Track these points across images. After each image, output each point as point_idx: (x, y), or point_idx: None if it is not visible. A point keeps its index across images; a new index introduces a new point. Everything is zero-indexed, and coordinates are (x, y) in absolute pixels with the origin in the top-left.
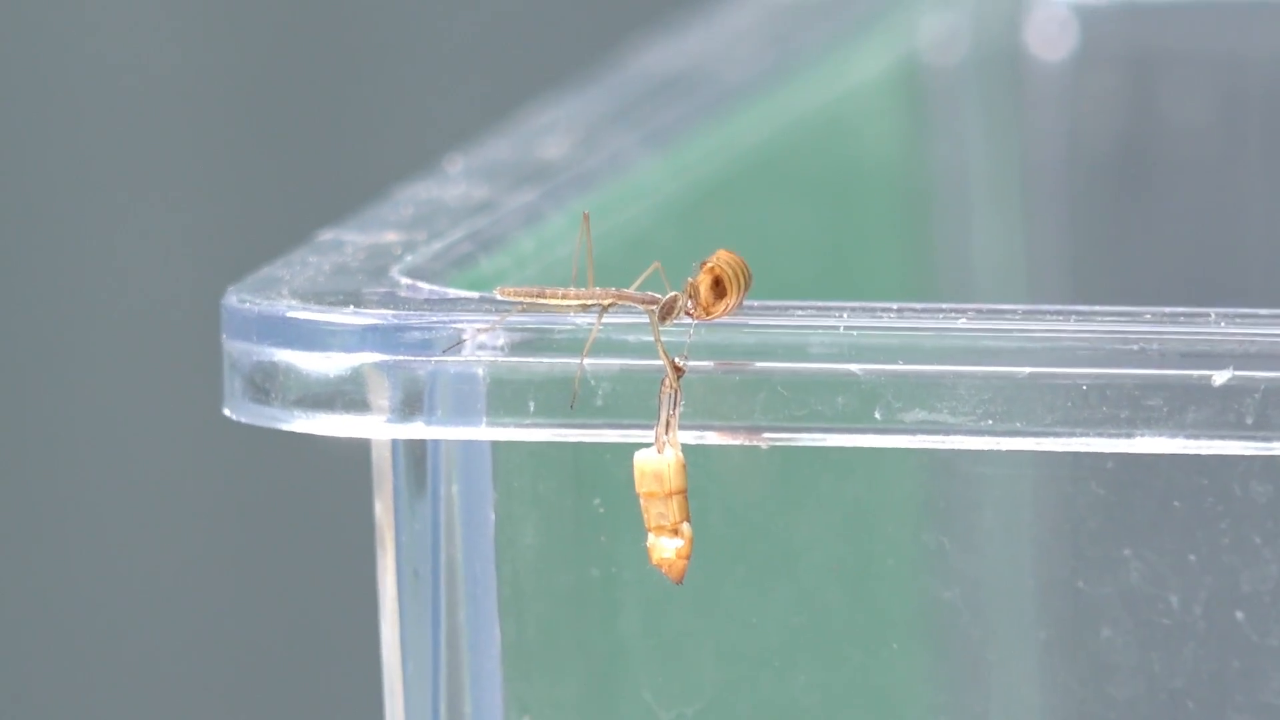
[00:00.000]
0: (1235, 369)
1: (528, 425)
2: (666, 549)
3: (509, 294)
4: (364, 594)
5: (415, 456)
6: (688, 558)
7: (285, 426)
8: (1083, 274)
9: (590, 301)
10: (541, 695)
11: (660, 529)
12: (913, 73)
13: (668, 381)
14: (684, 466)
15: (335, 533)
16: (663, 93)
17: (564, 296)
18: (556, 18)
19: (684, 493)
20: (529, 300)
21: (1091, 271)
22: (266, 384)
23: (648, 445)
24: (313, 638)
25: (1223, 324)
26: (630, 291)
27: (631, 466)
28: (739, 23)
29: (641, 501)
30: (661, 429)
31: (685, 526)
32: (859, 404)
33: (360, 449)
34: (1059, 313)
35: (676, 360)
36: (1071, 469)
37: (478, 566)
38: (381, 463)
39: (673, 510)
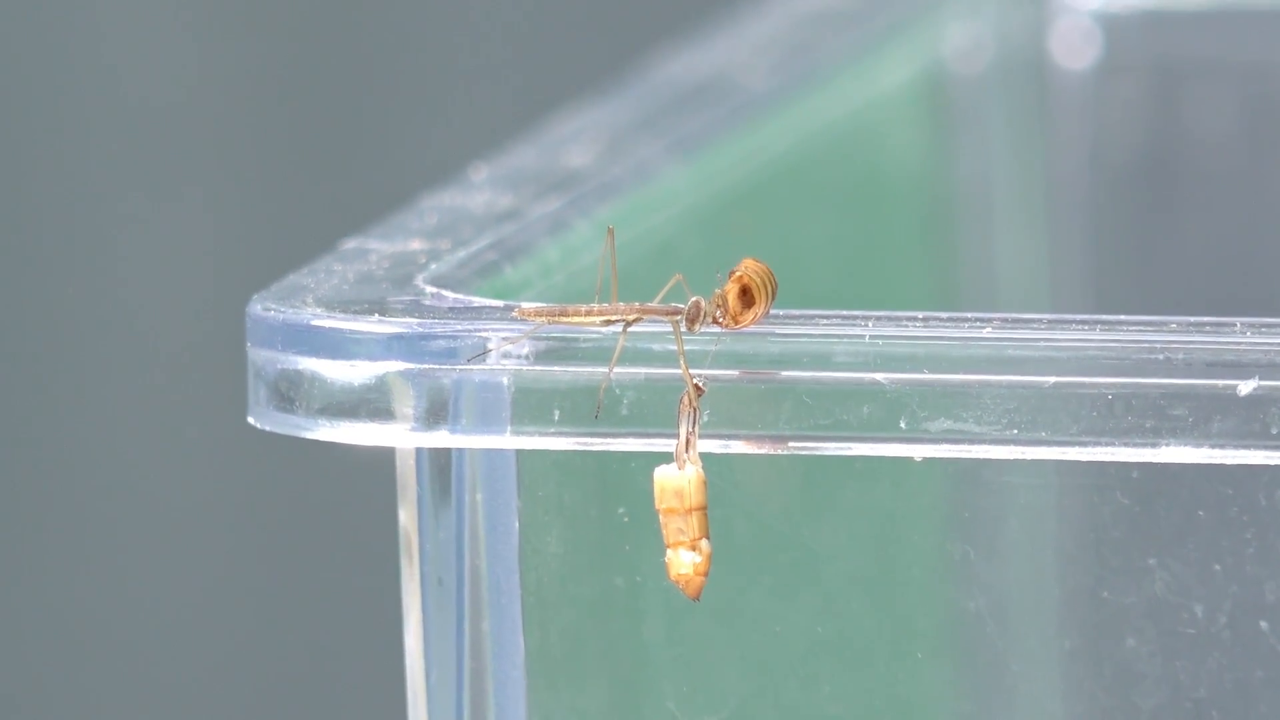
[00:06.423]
0: (1261, 379)
1: (552, 434)
2: (684, 564)
3: (529, 314)
4: (388, 602)
5: (440, 465)
6: (705, 574)
7: (310, 435)
8: (1107, 283)
9: (614, 317)
10: (565, 704)
11: (679, 544)
12: (937, 82)
13: (687, 398)
14: (704, 482)
15: (359, 541)
16: (687, 101)
17: (586, 313)
18: (582, 26)
19: (704, 509)
20: (549, 319)
21: (1116, 281)
22: (291, 392)
23: (670, 457)
24: (337, 647)
25: (1248, 333)
26: (653, 305)
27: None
28: (764, 31)
29: (661, 517)
30: (681, 445)
31: (704, 543)
32: (884, 413)
33: (385, 457)
34: (1084, 322)
35: (697, 381)
36: (1096, 478)
37: (502, 575)
38: (406, 471)
39: (692, 526)
